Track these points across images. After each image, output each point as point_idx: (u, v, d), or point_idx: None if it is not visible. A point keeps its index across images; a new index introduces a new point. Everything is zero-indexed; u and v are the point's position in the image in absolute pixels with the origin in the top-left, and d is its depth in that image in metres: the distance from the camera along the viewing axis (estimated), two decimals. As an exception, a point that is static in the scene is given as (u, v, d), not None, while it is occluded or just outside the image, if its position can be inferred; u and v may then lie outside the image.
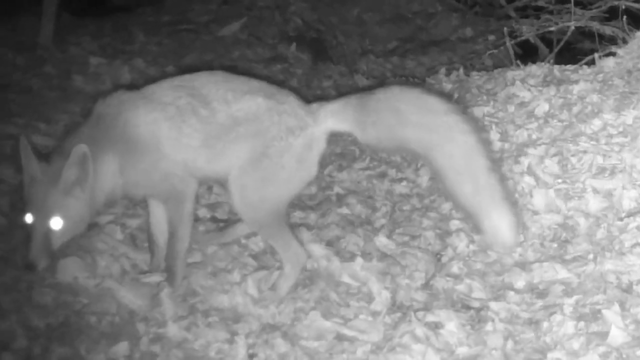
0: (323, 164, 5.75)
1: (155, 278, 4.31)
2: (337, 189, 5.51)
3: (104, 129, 4.06)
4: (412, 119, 4.14)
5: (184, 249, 4.29)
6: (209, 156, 4.17)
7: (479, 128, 4.51)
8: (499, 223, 4.10)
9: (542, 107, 5.97)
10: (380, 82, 4.32)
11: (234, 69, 7.93)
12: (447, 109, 4.18)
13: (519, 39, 8.33)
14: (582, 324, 3.76)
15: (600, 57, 6.99)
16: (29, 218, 3.89)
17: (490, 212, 4.10)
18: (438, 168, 4.17)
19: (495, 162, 4.41)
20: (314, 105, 4.31)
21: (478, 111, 6.23)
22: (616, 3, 7.55)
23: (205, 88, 4.22)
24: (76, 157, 3.83)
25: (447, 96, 4.57)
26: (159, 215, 4.41)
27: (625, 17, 7.32)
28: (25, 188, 3.95)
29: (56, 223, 3.88)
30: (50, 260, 3.95)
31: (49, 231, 3.88)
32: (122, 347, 3.77)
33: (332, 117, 4.27)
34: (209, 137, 4.15)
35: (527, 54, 8.61)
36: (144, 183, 4.16)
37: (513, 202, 4.41)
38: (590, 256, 4.30)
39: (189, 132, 4.12)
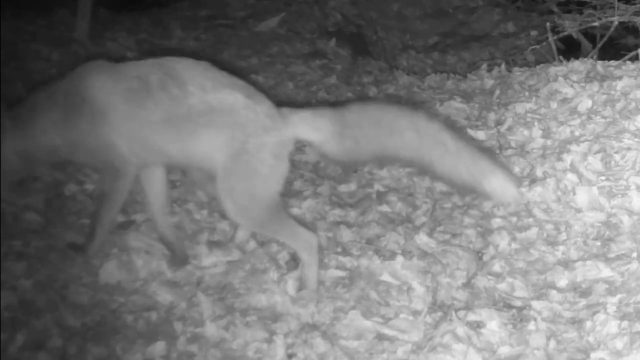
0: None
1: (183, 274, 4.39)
2: (377, 187, 5.49)
3: (63, 85, 4.25)
4: (397, 127, 4.29)
5: (109, 219, 4.37)
6: (174, 136, 4.17)
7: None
8: (499, 183, 4.29)
9: (585, 104, 5.93)
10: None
11: (272, 65, 7.98)
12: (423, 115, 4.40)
13: (561, 35, 8.30)
14: (625, 323, 3.74)
15: (643, 52, 6.95)
16: None
17: (487, 177, 4.29)
18: (428, 164, 4.33)
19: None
20: (284, 110, 4.31)
21: (520, 107, 6.21)
22: (661, -3, 7.49)
23: (186, 72, 4.23)
24: None
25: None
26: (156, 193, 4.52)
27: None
28: None
29: None
30: None
31: None
32: (159, 347, 3.76)
33: (303, 125, 4.30)
34: (176, 116, 4.15)
35: (570, 49, 8.56)
36: (81, 147, 4.21)
37: (497, 160, 4.85)
38: (634, 254, 4.29)
39: (150, 106, 4.14)
